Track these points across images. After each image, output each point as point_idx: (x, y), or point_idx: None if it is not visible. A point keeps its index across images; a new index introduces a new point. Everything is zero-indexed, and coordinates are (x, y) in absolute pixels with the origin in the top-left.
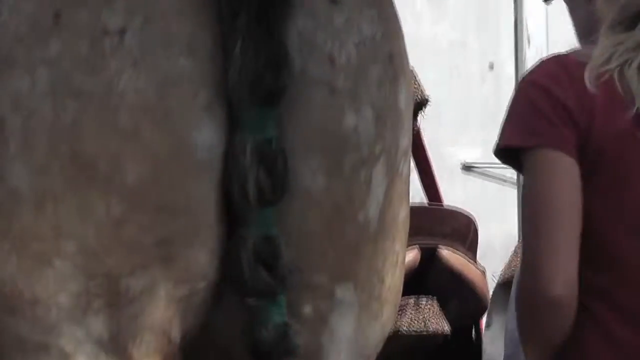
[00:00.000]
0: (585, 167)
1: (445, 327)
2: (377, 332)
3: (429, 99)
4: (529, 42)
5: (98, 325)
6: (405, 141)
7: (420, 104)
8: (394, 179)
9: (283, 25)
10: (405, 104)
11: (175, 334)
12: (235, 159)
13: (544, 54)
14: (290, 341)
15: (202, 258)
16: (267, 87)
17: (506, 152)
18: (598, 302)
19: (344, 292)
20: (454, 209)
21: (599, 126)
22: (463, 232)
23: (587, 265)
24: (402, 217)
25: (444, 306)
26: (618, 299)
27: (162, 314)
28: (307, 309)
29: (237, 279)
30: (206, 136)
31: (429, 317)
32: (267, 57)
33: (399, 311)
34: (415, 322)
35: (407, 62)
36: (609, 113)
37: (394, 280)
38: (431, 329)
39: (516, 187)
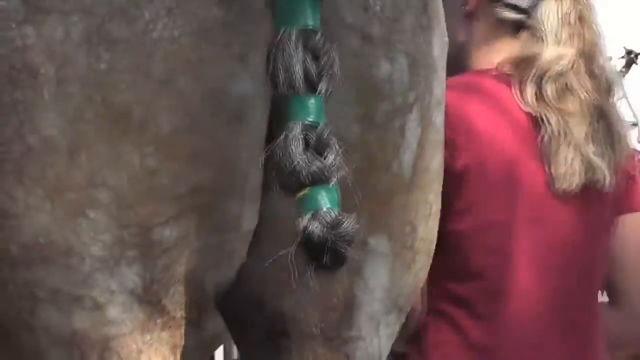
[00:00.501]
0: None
1: None
2: (410, 282)
3: None
4: None
5: (131, 276)
6: (439, 90)
7: None
8: (427, 128)
9: None
10: (439, 52)
11: (209, 285)
12: (279, 48)
13: None
14: (346, 227)
15: (235, 208)
16: None
17: None
18: (459, 309)
19: (378, 242)
20: None
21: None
22: None
23: (452, 277)
24: (435, 168)
25: None
26: (477, 307)
27: (195, 264)
28: None
29: (288, 170)
30: (240, 85)
31: None
32: None
33: None
34: None
35: (442, 11)
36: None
37: (428, 230)
38: None
39: None
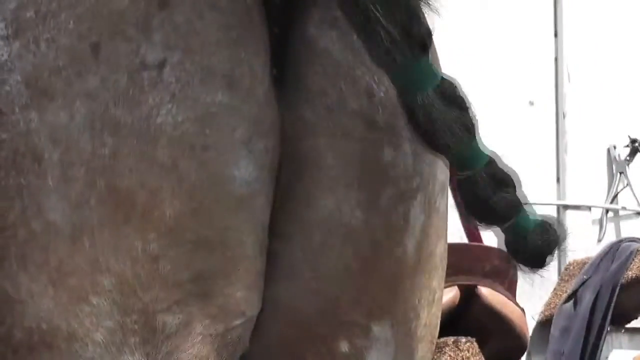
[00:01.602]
0: None
1: None
2: None
3: None
4: (569, 79)
5: None
6: (443, 176)
7: None
8: (431, 214)
9: None
10: None
11: None
12: (430, 115)
13: (583, 91)
14: (551, 233)
15: (239, 294)
16: (421, 32)
17: None
18: None
19: (381, 329)
20: (493, 247)
21: None
22: (502, 270)
23: None
24: (440, 253)
25: (483, 346)
26: None
27: (197, 351)
28: (344, 347)
29: (487, 212)
30: (244, 171)
31: (469, 357)
32: (406, 7)
33: (438, 351)
34: None
35: None
36: None
37: (430, 316)
38: None
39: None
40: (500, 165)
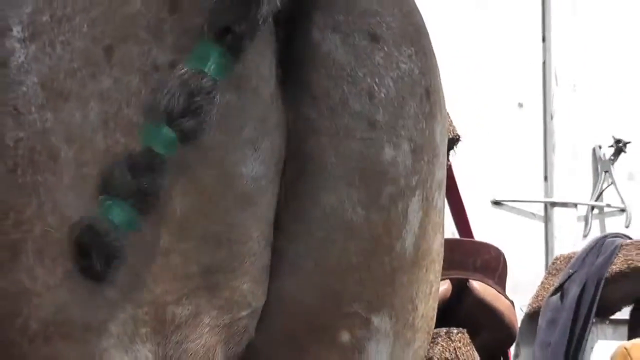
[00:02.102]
0: None
1: (475, 357)
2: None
3: (460, 137)
4: (556, 82)
5: (145, 352)
6: (440, 174)
7: (452, 141)
8: (429, 211)
9: None
10: (440, 138)
11: (219, 359)
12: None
13: (570, 94)
14: None
15: (245, 287)
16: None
17: None
18: None
19: (380, 320)
20: (484, 242)
21: None
22: (493, 264)
23: None
24: (437, 248)
25: (473, 336)
26: None
27: (205, 341)
28: (345, 337)
29: None
30: (251, 168)
31: (460, 347)
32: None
33: (431, 341)
34: (447, 351)
35: (443, 98)
36: None
37: (427, 309)
38: (461, 358)
39: (544, 222)
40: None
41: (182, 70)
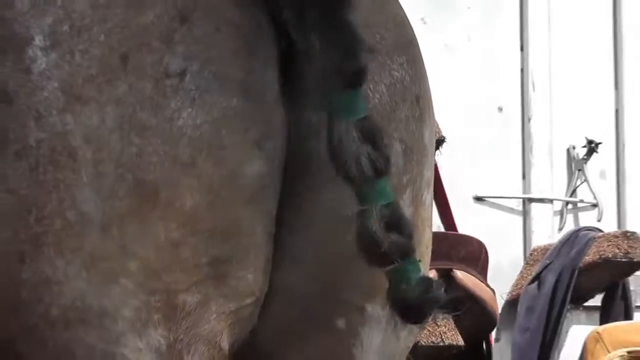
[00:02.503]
0: None
1: (459, 340)
2: (401, 344)
3: (445, 139)
4: (533, 87)
5: (157, 336)
6: (429, 173)
7: (438, 142)
8: (419, 207)
9: (345, 14)
10: (429, 140)
11: (225, 344)
12: (342, 143)
13: (546, 98)
14: (434, 291)
15: (250, 277)
16: (352, 69)
17: None
18: None
19: (374, 308)
20: (467, 235)
21: None
22: (475, 255)
23: None
24: (425, 240)
25: (458, 322)
26: None
27: (213, 327)
28: (340, 323)
29: (373, 250)
30: (256, 167)
31: (445, 331)
32: (345, 46)
33: None
34: (433, 335)
35: (431, 103)
36: None
37: None
38: (446, 341)
39: (522, 217)
40: (399, 212)
41: None
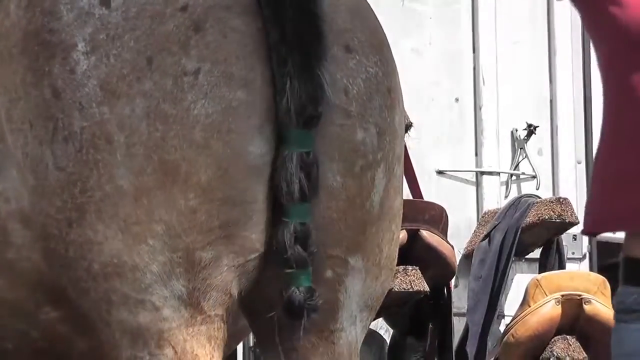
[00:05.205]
0: None
1: (425, 287)
2: (378, 289)
3: (412, 124)
4: (484, 82)
5: (179, 286)
6: (399, 150)
7: (407, 126)
8: (391, 178)
9: (317, 68)
10: (398, 123)
11: (234, 291)
12: (283, 167)
13: (494, 90)
14: (315, 300)
15: (254, 236)
16: (309, 114)
17: None
18: None
19: (355, 261)
20: (430, 202)
21: None
22: (437, 218)
23: None
24: (397, 205)
25: (424, 272)
26: None
27: (224, 278)
28: (329, 274)
29: (281, 254)
30: (257, 147)
31: (414, 280)
32: (308, 93)
33: None
34: (404, 283)
35: (401, 94)
36: None
37: (390, 251)
38: (415, 288)
39: (475, 187)
40: (309, 232)
41: None
